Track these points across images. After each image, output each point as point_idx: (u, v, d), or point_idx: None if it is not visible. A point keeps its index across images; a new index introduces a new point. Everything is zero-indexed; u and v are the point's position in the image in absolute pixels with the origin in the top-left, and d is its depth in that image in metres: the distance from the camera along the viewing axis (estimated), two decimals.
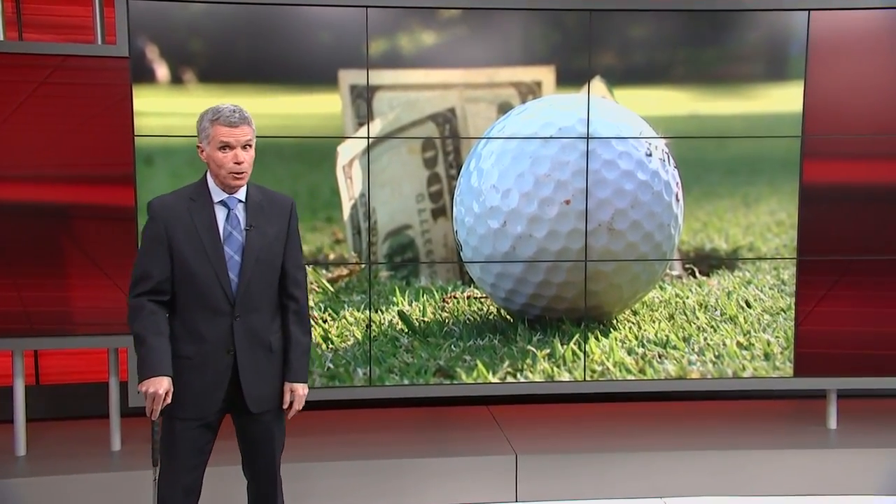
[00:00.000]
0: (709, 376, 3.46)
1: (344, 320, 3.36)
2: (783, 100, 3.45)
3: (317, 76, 3.27)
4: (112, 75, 3.18)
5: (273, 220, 2.17)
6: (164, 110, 3.20)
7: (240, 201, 2.13)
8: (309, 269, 3.33)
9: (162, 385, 2.02)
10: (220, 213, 2.11)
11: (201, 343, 2.10)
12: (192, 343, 2.11)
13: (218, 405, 2.14)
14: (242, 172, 2.08)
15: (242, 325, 2.11)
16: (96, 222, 3.23)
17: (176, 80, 3.21)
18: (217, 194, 2.11)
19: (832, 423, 3.69)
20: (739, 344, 3.48)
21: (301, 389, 2.20)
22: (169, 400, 2.05)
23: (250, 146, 2.10)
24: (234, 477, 2.40)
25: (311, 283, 3.35)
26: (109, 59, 3.18)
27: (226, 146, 2.05)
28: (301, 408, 2.23)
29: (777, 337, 3.50)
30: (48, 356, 3.82)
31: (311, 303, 3.33)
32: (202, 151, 2.10)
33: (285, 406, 2.19)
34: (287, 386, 2.19)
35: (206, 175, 2.14)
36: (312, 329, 3.25)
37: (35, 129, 3.18)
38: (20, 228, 3.21)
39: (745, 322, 3.50)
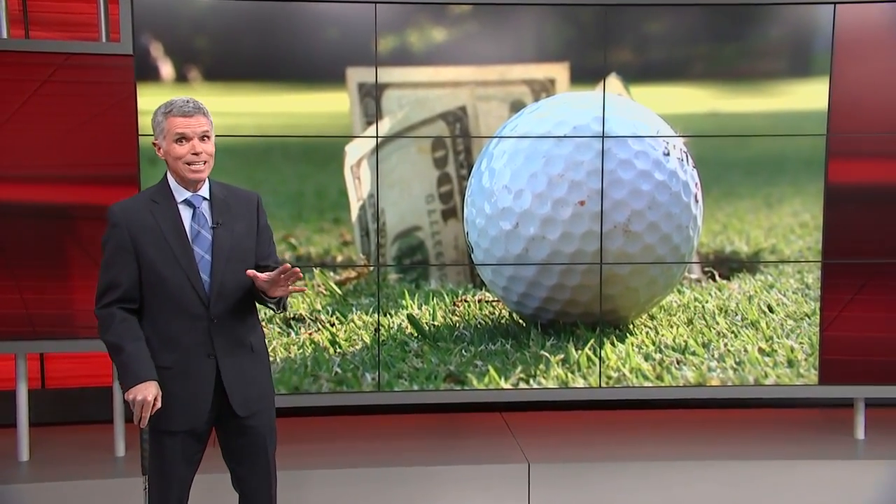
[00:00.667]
0: (729, 383, 3.41)
1: (352, 324, 3.34)
2: (807, 97, 3.39)
3: (324, 74, 3.26)
4: (116, 73, 3.16)
5: (240, 216, 2.12)
6: None
7: (204, 199, 2.08)
8: (316, 271, 3.33)
9: (150, 391, 1.98)
10: (186, 213, 2.06)
11: (178, 350, 2.06)
12: (169, 351, 2.06)
13: (206, 413, 2.10)
14: (202, 163, 2.03)
15: (220, 328, 2.07)
16: (100, 223, 2.88)
17: (181, 78, 3.19)
18: (180, 193, 2.07)
19: (860, 433, 3.62)
20: (761, 350, 3.42)
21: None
22: (159, 405, 2.00)
23: (208, 137, 2.05)
24: (224, 486, 2.35)
25: (319, 286, 3.34)
26: (113, 56, 3.16)
27: (182, 137, 2.01)
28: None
29: (801, 343, 3.45)
30: (54, 360, 3.82)
31: (318, 306, 3.33)
32: (159, 149, 2.06)
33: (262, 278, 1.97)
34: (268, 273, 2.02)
35: (165, 175, 2.09)
36: (319, 332, 3.31)
37: (38, 129, 3.17)
38: (22, 229, 3.20)
39: (768, 327, 3.44)
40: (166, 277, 2.03)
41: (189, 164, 2.01)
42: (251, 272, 2.02)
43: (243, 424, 2.12)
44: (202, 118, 2.04)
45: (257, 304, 2.17)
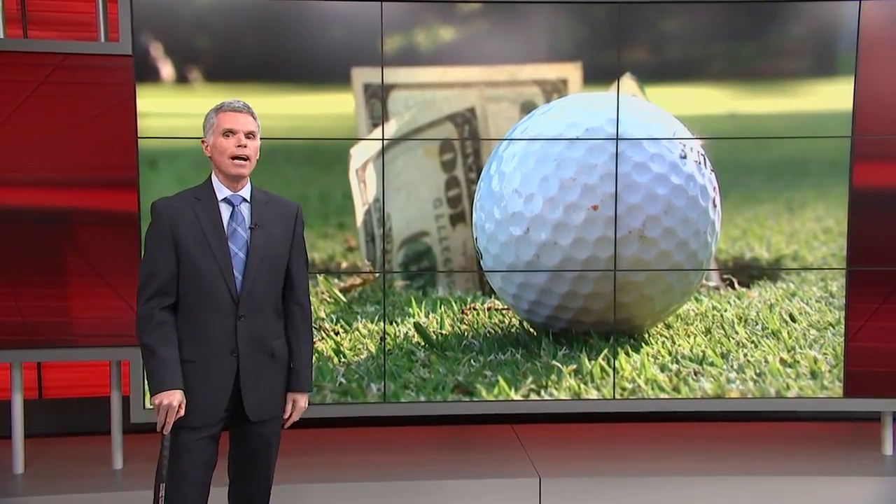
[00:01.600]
0: (749, 396, 3.37)
1: (357, 332, 3.33)
2: (831, 97, 3.35)
3: (329, 74, 3.25)
4: (115, 74, 3.16)
5: (278, 221, 2.23)
6: (169, 111, 3.19)
7: (244, 199, 2.20)
8: (320, 277, 3.32)
9: (175, 397, 2.08)
10: (225, 211, 2.18)
11: (204, 345, 2.14)
12: (194, 345, 2.14)
13: (221, 412, 2.16)
14: (245, 158, 2.16)
15: (246, 327, 2.16)
16: (98, 228, 3.22)
17: (181, 79, 3.20)
18: (221, 191, 2.19)
19: (888, 448, 3.56)
20: (783, 361, 3.39)
21: (303, 400, 2.27)
22: (182, 413, 2.09)
23: (254, 136, 2.18)
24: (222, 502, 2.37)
25: (323, 293, 3.33)
26: (112, 57, 3.16)
27: (229, 132, 2.14)
28: (297, 419, 2.28)
29: (825, 354, 3.40)
30: (51, 369, 3.82)
31: (322, 314, 3.32)
32: (206, 146, 2.19)
33: (286, 415, 2.25)
34: (290, 396, 2.25)
35: (210, 175, 2.22)
36: (323, 342, 3.33)
37: (34, 131, 3.16)
38: (18, 234, 3.19)
39: (790, 337, 3.40)
40: (202, 270, 2.13)
41: (233, 157, 2.14)
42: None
43: (253, 431, 2.20)
44: (250, 117, 2.18)
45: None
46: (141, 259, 2.19)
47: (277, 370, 2.22)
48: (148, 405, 3.15)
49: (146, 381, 2.15)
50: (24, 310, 3.20)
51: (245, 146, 2.14)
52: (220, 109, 2.17)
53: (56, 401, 3.81)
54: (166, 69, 3.18)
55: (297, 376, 2.24)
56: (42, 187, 3.18)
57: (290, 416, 2.25)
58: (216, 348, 2.13)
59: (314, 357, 3.25)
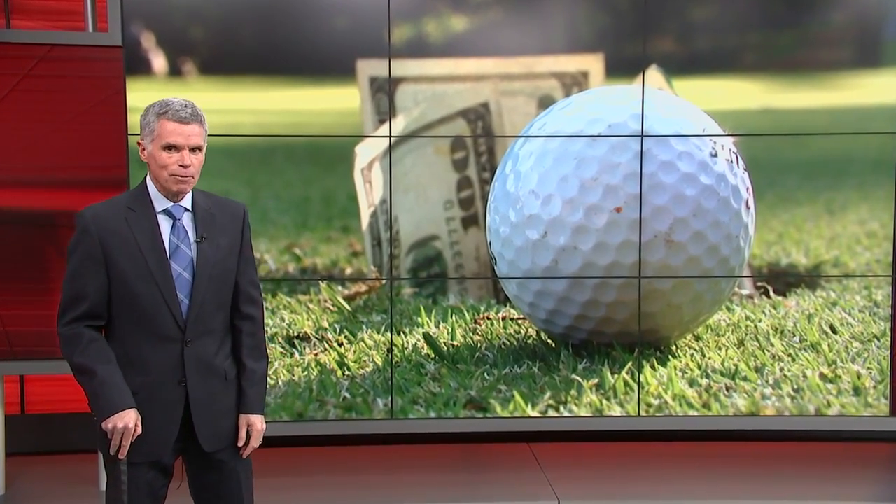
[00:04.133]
0: (786, 413, 3.33)
1: (362, 343, 3.31)
2: (876, 90, 3.34)
3: (332, 67, 3.24)
4: (103, 67, 3.12)
5: (225, 229, 2.09)
6: None
7: (186, 210, 2.05)
8: (323, 285, 3.33)
9: (130, 417, 1.95)
10: (165, 224, 2.03)
11: (147, 374, 2.01)
12: (136, 374, 2.00)
13: (171, 444, 2.04)
14: (188, 177, 2.00)
15: (193, 352, 2.03)
16: None
17: (174, 72, 3.18)
18: (160, 202, 2.03)
19: None
20: (823, 376, 3.35)
21: (259, 423, 2.13)
22: (139, 431, 1.96)
23: (200, 150, 2.02)
24: None
25: (326, 302, 3.31)
26: (100, 48, 3.11)
27: (171, 147, 1.97)
28: (258, 445, 2.14)
29: (869, 369, 3.35)
30: (34, 382, 3.76)
31: (325, 323, 3.30)
32: (143, 150, 2.02)
33: (241, 443, 2.11)
34: (243, 419, 2.10)
35: (145, 180, 2.05)
36: (326, 353, 3.29)
37: (17, 128, 3.11)
38: None
39: (830, 350, 3.37)
40: (138, 294, 1.99)
41: (174, 174, 1.99)
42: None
43: (214, 458, 2.09)
44: (197, 127, 2.00)
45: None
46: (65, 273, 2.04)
47: (232, 392, 2.09)
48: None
49: (90, 406, 2.00)
50: (6, 319, 3.15)
51: (189, 165, 1.97)
52: (162, 114, 1.97)
53: (40, 416, 3.76)
54: (158, 61, 3.17)
55: (247, 397, 2.09)
56: (25, 188, 3.14)
57: (248, 442, 2.09)
58: (161, 378, 2.00)
59: (315, 371, 3.27)
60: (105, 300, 1.99)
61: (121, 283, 1.98)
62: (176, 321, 2.00)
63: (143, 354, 1.99)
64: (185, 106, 1.98)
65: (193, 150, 1.98)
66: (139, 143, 2.03)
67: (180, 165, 1.96)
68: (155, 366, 2.00)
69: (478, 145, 3.30)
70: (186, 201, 2.05)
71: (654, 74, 3.27)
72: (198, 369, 2.02)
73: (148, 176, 2.03)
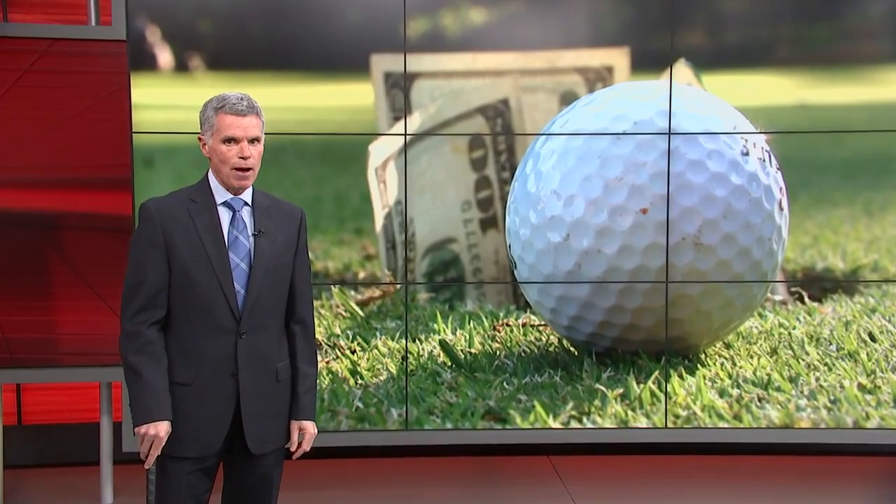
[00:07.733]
0: (822, 426, 3.30)
1: (376, 351, 3.30)
2: None
3: (345, 62, 3.24)
4: (107, 62, 3.14)
5: (282, 227, 2.19)
6: (167, 103, 3.19)
7: (246, 203, 2.16)
8: (335, 289, 3.34)
9: (161, 428, 2.04)
10: (225, 216, 2.13)
11: (200, 365, 2.09)
12: (189, 365, 2.09)
13: (220, 441, 2.10)
14: (248, 169, 2.11)
15: (247, 346, 2.11)
16: (87, 234, 3.21)
17: (181, 67, 3.19)
18: (220, 195, 2.14)
19: None
20: (861, 386, 3.31)
21: (312, 428, 2.22)
22: (163, 442, 2.04)
23: (258, 141, 2.13)
24: None
25: (338, 307, 3.32)
26: (104, 42, 3.14)
27: (231, 139, 2.08)
28: (309, 449, 2.21)
29: None
30: (32, 392, 3.78)
31: (337, 330, 3.30)
32: (204, 145, 2.14)
33: (293, 447, 2.19)
34: (295, 424, 2.20)
35: (207, 174, 2.17)
36: (338, 361, 3.27)
37: (17, 125, 3.14)
38: None
39: (869, 360, 3.34)
40: (197, 282, 2.08)
41: (236, 168, 2.10)
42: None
43: (253, 464, 2.15)
44: (255, 118, 2.11)
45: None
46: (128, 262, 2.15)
47: (281, 394, 2.17)
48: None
49: (129, 406, 2.10)
50: (4, 325, 3.17)
51: (249, 157, 2.09)
52: (220, 109, 2.09)
53: (38, 427, 3.78)
54: (164, 56, 3.18)
55: (301, 402, 2.19)
56: (26, 188, 3.17)
57: (300, 444, 2.18)
58: (215, 369, 2.08)
59: (327, 379, 3.25)
60: (165, 288, 2.07)
61: (181, 272, 2.06)
62: (232, 311, 2.08)
63: (198, 345, 2.07)
64: (242, 99, 2.09)
65: (252, 141, 2.09)
66: (200, 139, 2.13)
67: (240, 157, 2.07)
68: (209, 357, 2.07)
69: (497, 144, 3.29)
70: (246, 195, 2.15)
71: (682, 69, 3.26)
72: (250, 363, 2.09)
73: (209, 171, 2.14)
